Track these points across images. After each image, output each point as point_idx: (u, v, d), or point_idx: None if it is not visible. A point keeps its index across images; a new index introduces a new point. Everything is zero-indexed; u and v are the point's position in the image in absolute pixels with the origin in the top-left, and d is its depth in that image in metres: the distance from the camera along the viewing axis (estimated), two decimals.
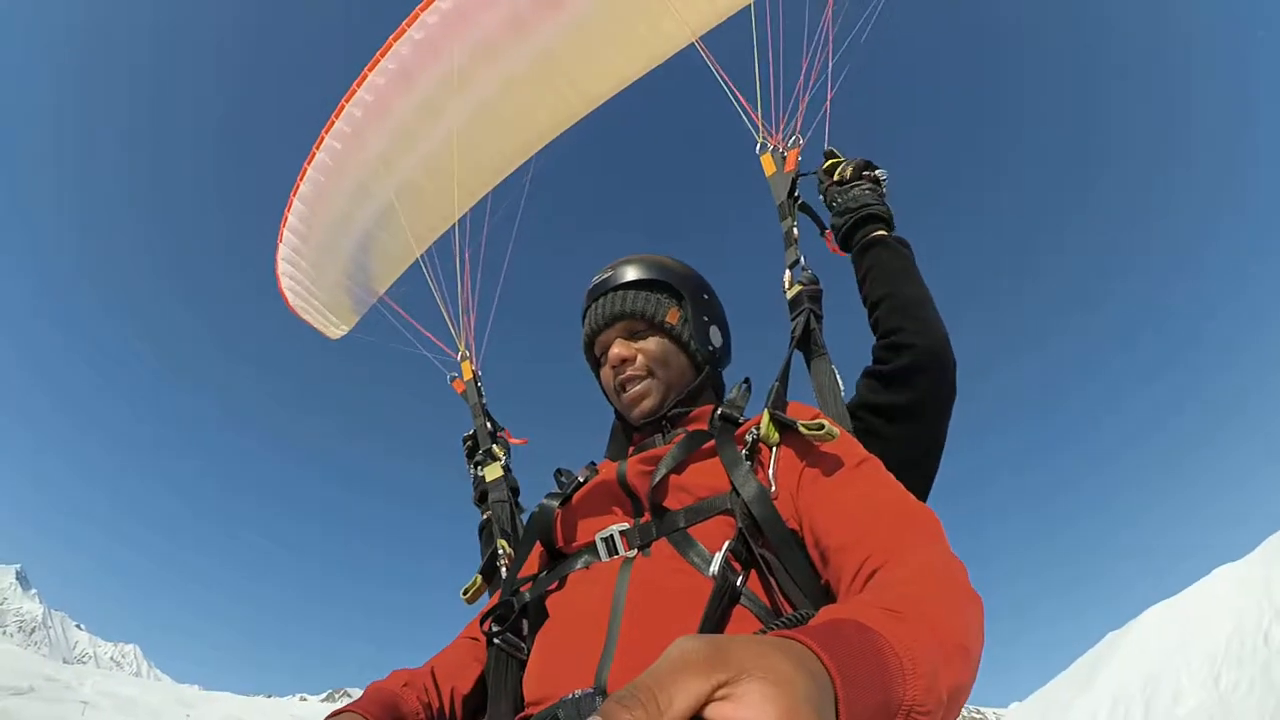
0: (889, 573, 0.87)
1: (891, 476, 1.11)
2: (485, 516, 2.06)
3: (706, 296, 1.50)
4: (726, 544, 1.06)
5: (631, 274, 1.45)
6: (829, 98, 1.86)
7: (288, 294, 3.33)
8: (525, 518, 1.85)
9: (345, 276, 3.27)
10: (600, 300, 1.45)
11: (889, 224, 1.68)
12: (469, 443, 2.24)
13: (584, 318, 1.50)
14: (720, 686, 0.44)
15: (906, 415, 1.46)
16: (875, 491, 1.06)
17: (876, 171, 1.74)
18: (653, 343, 1.41)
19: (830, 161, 1.82)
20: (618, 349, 1.40)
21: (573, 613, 1.17)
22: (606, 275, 1.48)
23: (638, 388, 1.39)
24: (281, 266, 3.21)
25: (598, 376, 1.52)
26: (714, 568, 1.03)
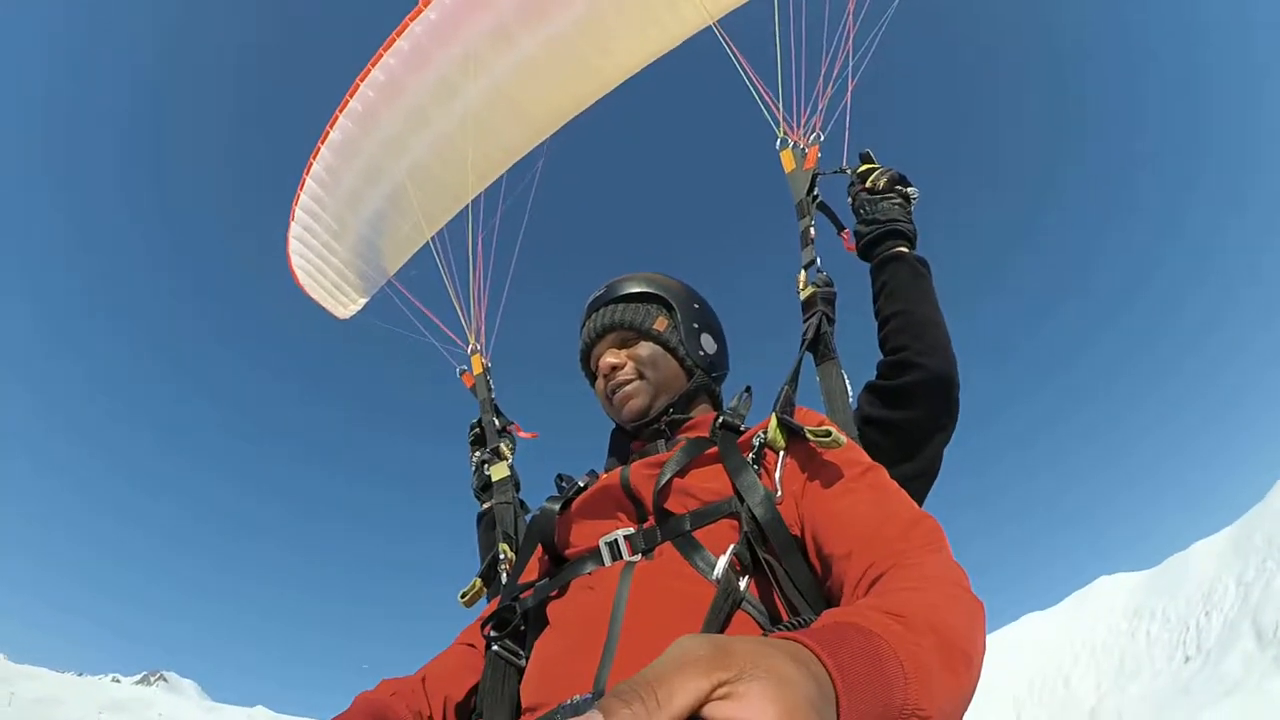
0: (892, 579, 0.87)
1: (895, 485, 1.11)
2: (485, 507, 2.05)
3: (697, 306, 1.55)
4: (731, 547, 1.06)
5: (622, 290, 1.53)
6: (849, 94, 1.83)
7: (298, 273, 3.34)
8: (528, 518, 1.82)
9: (356, 256, 3.28)
10: (593, 316, 1.53)
11: (912, 242, 1.68)
12: (475, 431, 2.22)
13: (580, 335, 1.57)
14: (721, 685, 0.44)
15: (902, 433, 1.47)
16: (879, 499, 1.06)
17: (909, 189, 1.74)
18: (642, 348, 1.46)
19: (865, 166, 1.80)
20: (608, 358, 1.46)
21: (572, 618, 1.16)
22: (599, 294, 1.56)
23: (626, 388, 1.43)
24: (292, 245, 3.21)
25: (595, 390, 1.56)
26: (718, 571, 1.03)
